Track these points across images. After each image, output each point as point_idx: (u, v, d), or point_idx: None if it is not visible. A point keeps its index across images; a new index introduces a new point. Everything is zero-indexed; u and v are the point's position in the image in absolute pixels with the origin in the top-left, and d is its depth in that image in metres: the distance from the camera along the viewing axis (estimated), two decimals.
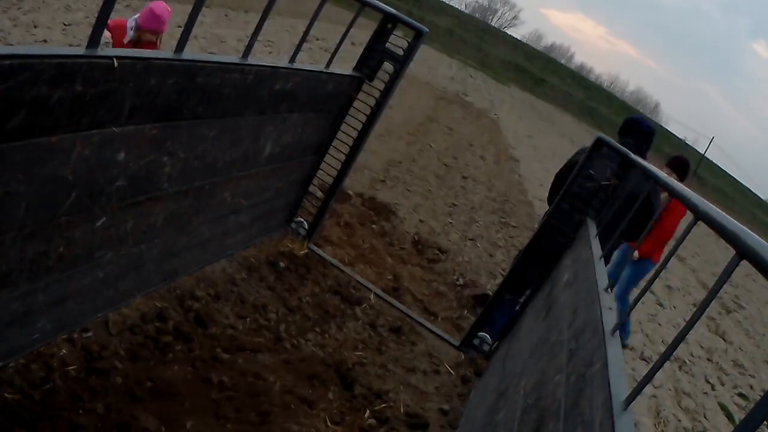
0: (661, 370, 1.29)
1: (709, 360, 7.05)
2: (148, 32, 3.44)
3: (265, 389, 2.45)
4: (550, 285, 3.03)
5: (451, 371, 3.23)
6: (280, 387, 2.50)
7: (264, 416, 2.31)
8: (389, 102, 3.61)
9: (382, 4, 3.23)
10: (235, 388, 2.39)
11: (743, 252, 1.15)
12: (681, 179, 4.87)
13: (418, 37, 3.43)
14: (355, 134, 3.61)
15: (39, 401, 1.94)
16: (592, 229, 2.92)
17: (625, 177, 3.17)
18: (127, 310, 2.50)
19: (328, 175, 3.75)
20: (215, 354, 2.55)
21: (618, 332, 1.67)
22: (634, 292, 5.43)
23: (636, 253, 5.21)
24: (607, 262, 2.87)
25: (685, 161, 5.11)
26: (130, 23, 3.43)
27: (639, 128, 3.53)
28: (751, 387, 6.74)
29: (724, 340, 8.23)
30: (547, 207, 3.54)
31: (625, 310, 5.26)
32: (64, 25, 7.82)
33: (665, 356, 1.27)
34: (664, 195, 3.54)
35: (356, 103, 3.54)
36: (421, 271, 4.60)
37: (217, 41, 10.29)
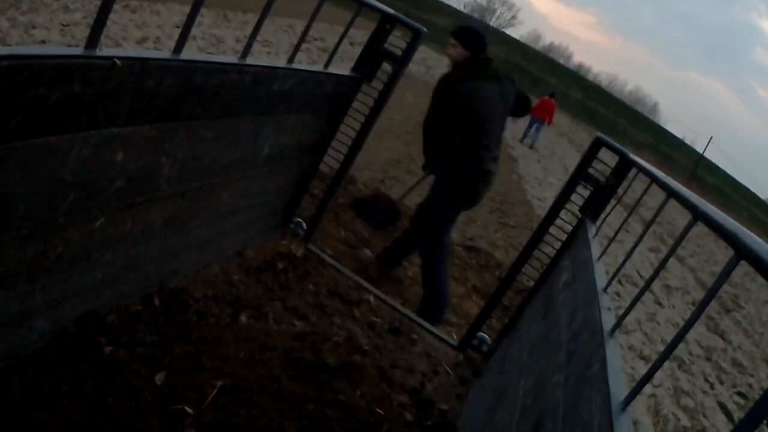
0: (660, 369, 1.28)
1: (708, 359, 7.06)
2: None
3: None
4: (549, 285, 3.03)
5: (449, 371, 3.23)
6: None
7: None
8: (388, 102, 3.61)
9: (380, 5, 3.23)
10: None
11: (742, 252, 1.15)
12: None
13: (416, 37, 3.42)
14: (353, 134, 3.61)
15: (39, 404, 1.93)
16: (591, 230, 2.92)
17: (623, 177, 3.18)
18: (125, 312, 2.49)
19: (327, 175, 3.74)
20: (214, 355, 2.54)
21: (617, 331, 1.67)
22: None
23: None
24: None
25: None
26: None
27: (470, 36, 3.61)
28: (751, 386, 6.75)
29: (723, 340, 8.24)
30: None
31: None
32: (63, 25, 7.81)
33: (664, 355, 1.27)
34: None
35: (355, 104, 3.53)
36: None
37: (216, 41, 10.28)
